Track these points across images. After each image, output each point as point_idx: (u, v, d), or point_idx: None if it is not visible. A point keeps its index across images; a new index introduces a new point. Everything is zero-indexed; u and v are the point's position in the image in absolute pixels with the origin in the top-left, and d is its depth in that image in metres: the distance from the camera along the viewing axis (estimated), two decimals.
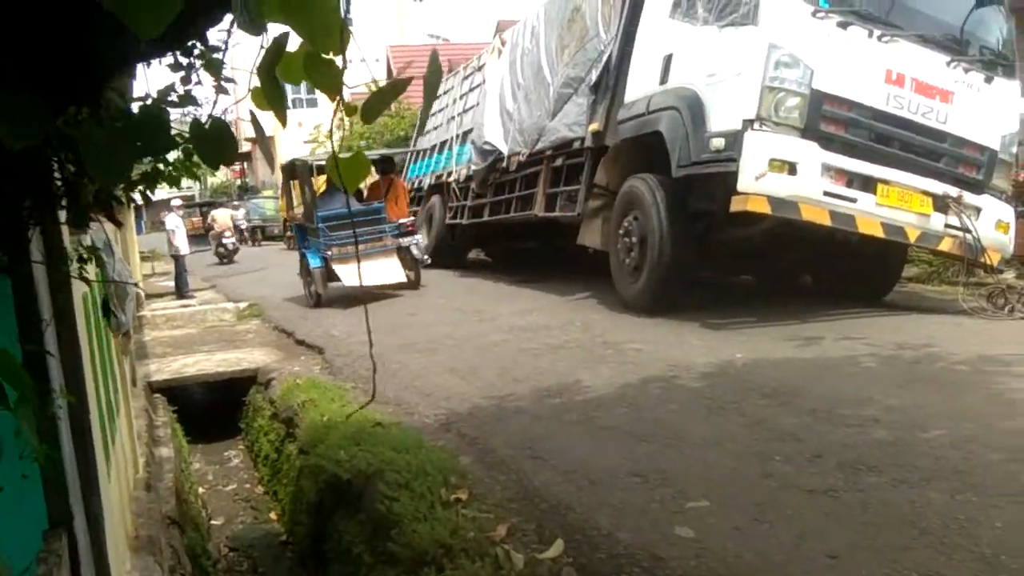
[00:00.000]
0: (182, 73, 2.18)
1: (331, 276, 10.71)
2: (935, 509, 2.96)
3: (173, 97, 2.16)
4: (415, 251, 11.14)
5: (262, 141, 1.59)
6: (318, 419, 5.40)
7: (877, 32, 6.58)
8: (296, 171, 11.69)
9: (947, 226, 6.79)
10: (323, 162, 11.11)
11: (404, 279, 10.81)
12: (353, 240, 10.23)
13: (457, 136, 13.43)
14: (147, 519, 4.16)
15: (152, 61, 2.01)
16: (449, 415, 5.06)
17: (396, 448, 4.19)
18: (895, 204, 6.60)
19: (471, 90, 13.37)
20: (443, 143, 14.12)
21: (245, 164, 42.96)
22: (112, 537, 2.65)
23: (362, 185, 11.36)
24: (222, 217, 23.29)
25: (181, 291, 14.12)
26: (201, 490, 7.02)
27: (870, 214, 6.51)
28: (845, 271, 7.89)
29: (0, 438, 0.82)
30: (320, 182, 11.53)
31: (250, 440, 7.85)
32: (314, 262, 10.86)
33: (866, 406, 4.28)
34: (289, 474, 6.00)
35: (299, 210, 12.05)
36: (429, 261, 12.19)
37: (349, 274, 10.49)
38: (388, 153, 13.63)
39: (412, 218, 11.94)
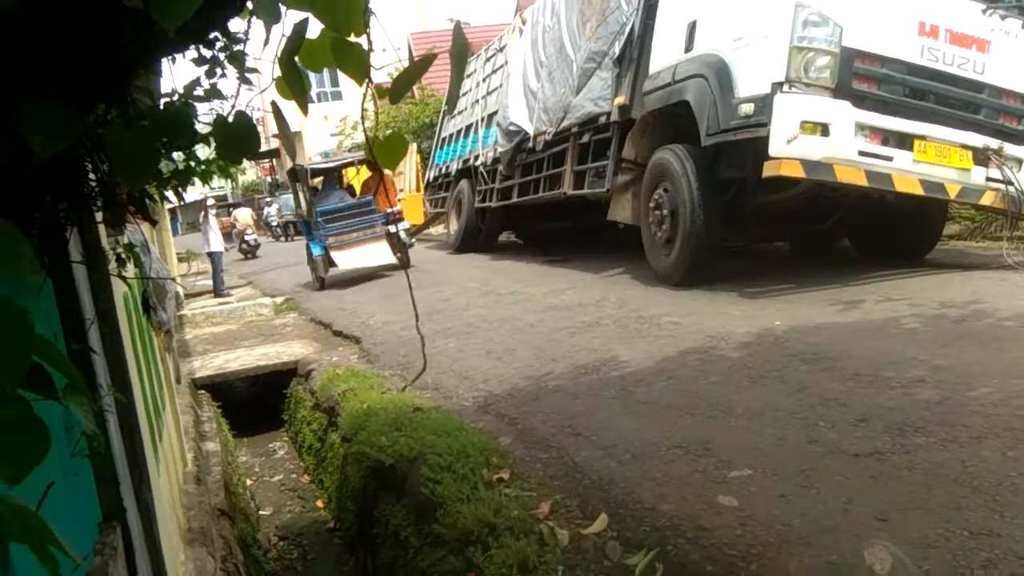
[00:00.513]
0: (206, 67, 2.20)
1: (331, 262, 12.38)
2: (987, 467, 2.89)
3: (199, 92, 2.18)
4: (403, 236, 12.81)
5: (283, 132, 1.59)
6: (358, 407, 5.46)
7: None
8: (297, 174, 13.43)
9: (988, 179, 6.58)
10: (319, 166, 13.81)
11: (394, 261, 12.40)
12: (348, 230, 12.35)
13: (482, 119, 13.41)
14: (198, 511, 4.26)
15: (176, 56, 2.02)
16: (488, 397, 5.08)
17: (436, 432, 4.22)
18: (933, 160, 6.42)
19: (494, 72, 13.33)
20: (468, 127, 14.10)
21: (274, 161, 43.37)
22: (165, 529, 2.72)
23: (355, 182, 13.88)
24: (243, 216, 25.09)
25: (218, 290, 14.35)
26: (249, 482, 7.17)
27: (907, 172, 6.34)
28: (883, 232, 7.72)
29: (47, 428, 0.84)
30: (316, 181, 13.42)
31: (294, 431, 7.99)
32: (316, 251, 12.58)
33: (911, 367, 4.19)
34: (333, 462, 6.09)
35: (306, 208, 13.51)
36: (414, 243, 14.17)
37: (344, 259, 12.31)
38: None
39: (399, 207, 13.47)
